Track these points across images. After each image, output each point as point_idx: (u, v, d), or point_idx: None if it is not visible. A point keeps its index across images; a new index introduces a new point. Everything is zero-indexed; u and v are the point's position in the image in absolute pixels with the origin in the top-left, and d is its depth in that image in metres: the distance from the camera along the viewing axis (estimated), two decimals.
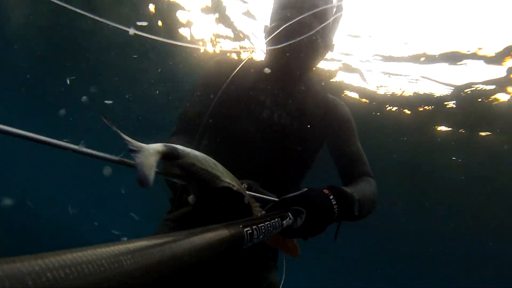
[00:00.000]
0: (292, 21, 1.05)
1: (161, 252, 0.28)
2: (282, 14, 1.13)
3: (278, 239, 0.88)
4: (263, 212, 0.66)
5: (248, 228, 0.45)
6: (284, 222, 0.60)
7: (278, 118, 1.17)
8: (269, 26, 1.20)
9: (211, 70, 1.23)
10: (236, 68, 1.08)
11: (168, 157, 0.45)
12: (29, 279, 0.20)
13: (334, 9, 1.19)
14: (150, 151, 0.41)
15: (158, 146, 0.44)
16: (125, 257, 0.25)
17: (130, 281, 0.25)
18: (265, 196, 0.69)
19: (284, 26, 1.05)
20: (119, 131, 0.40)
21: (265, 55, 1.26)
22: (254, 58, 1.34)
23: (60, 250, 0.23)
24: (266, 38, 1.18)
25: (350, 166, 1.20)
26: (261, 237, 0.48)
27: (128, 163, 0.42)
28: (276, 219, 0.57)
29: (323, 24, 1.12)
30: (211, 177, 0.51)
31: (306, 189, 0.76)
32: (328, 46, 1.23)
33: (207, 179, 0.50)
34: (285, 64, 1.15)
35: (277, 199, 0.72)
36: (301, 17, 1.06)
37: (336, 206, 0.76)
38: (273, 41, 1.08)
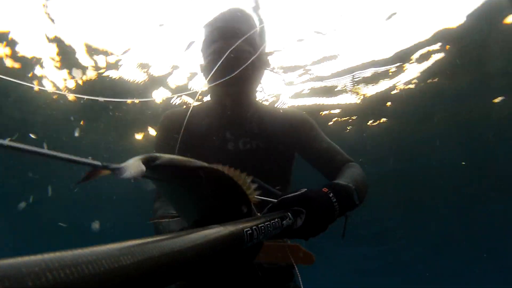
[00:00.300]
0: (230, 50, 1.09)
1: (160, 252, 0.28)
2: (214, 47, 1.16)
3: (288, 253, 0.86)
4: (264, 212, 0.66)
5: (248, 228, 0.45)
6: (284, 222, 0.60)
7: (244, 145, 1.19)
8: (204, 63, 1.23)
9: (165, 125, 1.25)
10: (187, 115, 1.10)
11: (148, 162, 0.46)
12: (29, 280, 0.20)
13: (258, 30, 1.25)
14: (132, 161, 0.42)
15: (136, 157, 0.45)
16: (125, 257, 0.25)
17: (131, 280, 0.25)
18: (264, 198, 0.69)
19: (221, 60, 1.09)
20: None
21: (210, 92, 1.28)
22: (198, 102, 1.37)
23: (60, 251, 0.23)
24: (205, 75, 1.20)
25: (329, 160, 1.21)
26: (261, 237, 0.48)
27: (114, 167, 0.42)
28: (276, 219, 0.57)
29: (261, 48, 1.19)
30: (193, 163, 0.52)
31: (306, 189, 0.76)
32: (265, 63, 1.27)
33: (190, 164, 0.52)
34: (232, 93, 1.17)
35: (275, 200, 0.73)
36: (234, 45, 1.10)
37: (336, 203, 0.77)
38: (215, 75, 1.10)
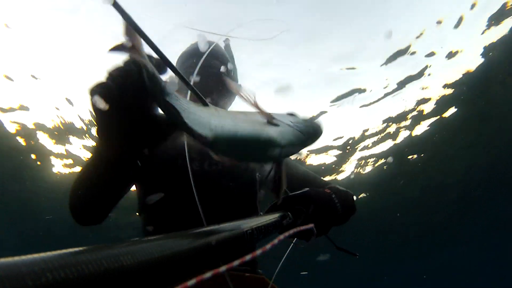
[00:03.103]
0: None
1: (161, 252, 0.28)
2: (190, 62, 1.21)
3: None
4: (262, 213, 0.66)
5: (248, 228, 0.45)
6: (284, 222, 0.60)
7: (209, 166, 1.14)
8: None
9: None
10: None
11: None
12: (29, 280, 0.20)
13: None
14: None
15: None
16: (125, 257, 0.25)
17: (131, 281, 0.25)
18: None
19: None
20: None
21: None
22: None
23: (60, 251, 0.23)
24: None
25: (308, 183, 1.16)
26: (260, 237, 0.48)
27: None
28: (276, 219, 0.57)
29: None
30: None
31: (308, 189, 0.76)
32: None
33: None
34: None
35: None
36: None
37: (338, 204, 0.76)
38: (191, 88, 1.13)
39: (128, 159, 0.57)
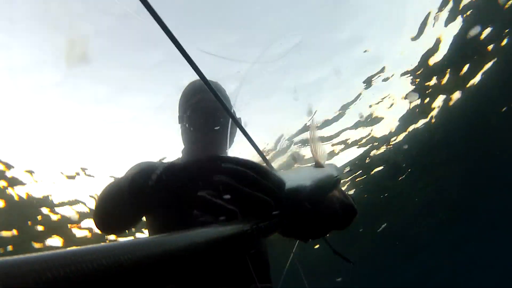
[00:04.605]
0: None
1: (161, 252, 0.29)
2: (196, 98, 1.25)
3: None
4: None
5: (248, 228, 0.45)
6: (285, 221, 0.60)
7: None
8: (182, 115, 1.31)
9: (138, 169, 1.16)
10: (160, 166, 1.10)
11: None
12: (29, 279, 0.20)
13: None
14: None
15: None
16: (125, 257, 0.26)
17: (130, 279, 0.25)
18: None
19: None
20: None
21: (185, 144, 1.34)
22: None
23: (61, 250, 0.23)
24: (184, 125, 1.28)
25: None
26: (261, 236, 0.48)
27: None
28: (276, 218, 0.57)
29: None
30: None
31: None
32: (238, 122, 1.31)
33: None
34: (209, 143, 1.24)
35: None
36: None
37: (339, 209, 0.76)
38: (191, 125, 1.21)
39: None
